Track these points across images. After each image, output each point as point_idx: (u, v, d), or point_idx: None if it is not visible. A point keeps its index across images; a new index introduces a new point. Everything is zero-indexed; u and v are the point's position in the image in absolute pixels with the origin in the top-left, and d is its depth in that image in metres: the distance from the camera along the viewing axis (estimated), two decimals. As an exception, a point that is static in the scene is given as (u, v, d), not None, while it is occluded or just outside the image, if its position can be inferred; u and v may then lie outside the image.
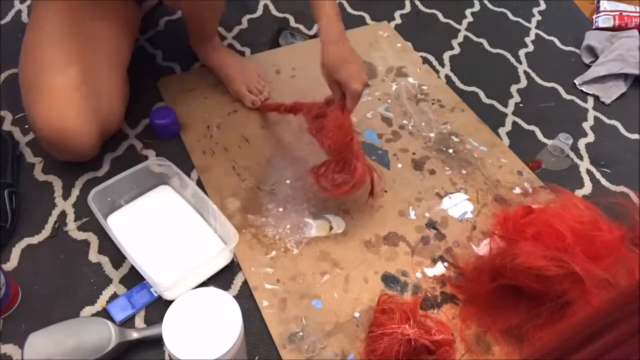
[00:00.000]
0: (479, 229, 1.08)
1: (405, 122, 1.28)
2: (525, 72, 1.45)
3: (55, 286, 0.95)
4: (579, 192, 1.17)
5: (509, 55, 1.50)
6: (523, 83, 1.42)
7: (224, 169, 1.14)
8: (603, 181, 1.20)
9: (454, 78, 1.41)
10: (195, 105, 1.26)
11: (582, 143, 1.28)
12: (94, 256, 0.99)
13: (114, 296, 0.94)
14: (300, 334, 0.91)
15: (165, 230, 1.01)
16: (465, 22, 1.59)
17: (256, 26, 1.51)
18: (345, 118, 0.97)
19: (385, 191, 1.12)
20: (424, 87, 1.36)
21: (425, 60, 1.45)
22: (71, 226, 1.03)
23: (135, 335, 0.87)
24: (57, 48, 0.99)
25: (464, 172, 1.18)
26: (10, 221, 1.00)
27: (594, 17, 1.61)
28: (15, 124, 1.18)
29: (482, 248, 1.03)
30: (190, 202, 1.05)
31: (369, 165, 1.02)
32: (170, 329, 0.71)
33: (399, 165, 1.18)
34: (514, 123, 1.31)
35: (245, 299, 0.95)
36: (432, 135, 1.25)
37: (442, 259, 1.03)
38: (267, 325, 0.92)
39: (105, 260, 0.99)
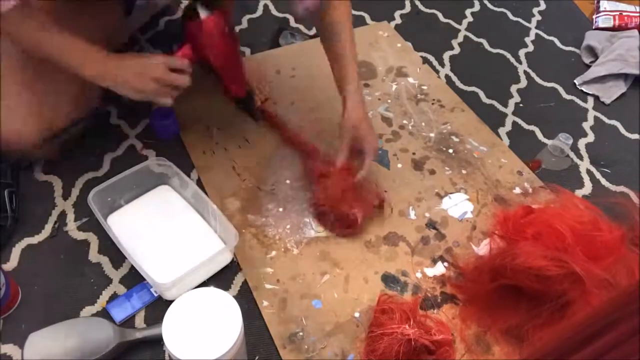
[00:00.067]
0: (479, 229, 1.08)
1: (405, 122, 1.28)
2: (525, 72, 1.45)
3: (55, 286, 0.95)
4: (579, 192, 1.17)
5: (509, 55, 1.50)
6: (523, 83, 1.42)
7: (224, 169, 1.14)
8: (603, 181, 1.20)
9: (454, 78, 1.41)
10: (195, 105, 1.25)
11: (582, 143, 1.28)
12: (94, 256, 0.99)
13: (114, 296, 0.94)
14: (300, 334, 0.91)
15: (165, 230, 1.01)
16: (465, 22, 1.59)
17: (256, 26, 1.51)
18: (347, 180, 1.03)
19: (385, 191, 1.12)
20: (424, 87, 1.36)
21: (425, 60, 1.45)
22: (71, 226, 1.03)
23: (135, 335, 0.87)
24: None
25: (464, 172, 1.18)
26: (10, 221, 1.00)
27: (594, 17, 1.61)
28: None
29: (482, 248, 1.03)
30: (190, 202, 1.05)
31: (378, 194, 1.07)
32: (170, 329, 0.71)
33: (399, 165, 1.18)
34: (514, 123, 1.31)
35: (245, 299, 0.95)
36: (432, 135, 1.25)
37: (442, 259, 1.03)
38: (267, 325, 0.92)
39: (105, 260, 0.99)
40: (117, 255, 0.97)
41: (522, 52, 1.51)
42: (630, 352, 0.38)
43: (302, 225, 1.05)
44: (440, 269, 1.01)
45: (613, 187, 1.19)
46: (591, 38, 1.51)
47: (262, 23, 1.52)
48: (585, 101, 1.38)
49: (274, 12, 1.56)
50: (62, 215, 1.05)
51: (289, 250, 1.02)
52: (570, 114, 1.35)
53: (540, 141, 1.27)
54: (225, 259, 0.98)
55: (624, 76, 1.41)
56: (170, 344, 0.69)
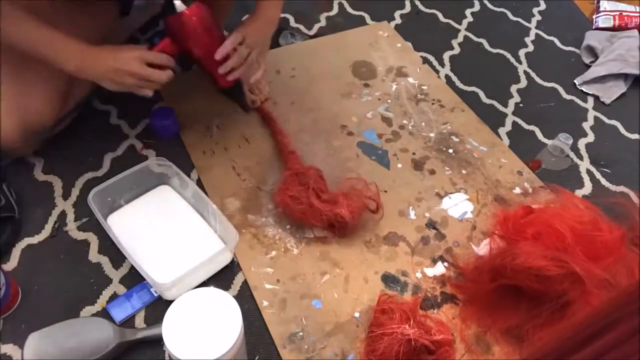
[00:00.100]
0: (479, 229, 1.08)
1: (405, 122, 1.28)
2: (525, 72, 1.45)
3: (55, 286, 0.95)
4: (579, 192, 1.17)
5: (509, 55, 1.50)
6: (523, 83, 1.42)
7: (224, 169, 1.14)
8: (603, 181, 1.20)
9: (454, 78, 1.41)
10: (195, 105, 1.26)
11: (582, 143, 1.28)
12: (94, 256, 0.99)
13: (114, 296, 0.94)
14: (300, 334, 0.91)
15: (165, 230, 1.01)
16: (465, 22, 1.59)
17: (256, 26, 1.50)
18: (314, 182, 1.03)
19: (385, 191, 1.12)
20: (424, 87, 1.36)
21: (425, 60, 1.45)
22: (71, 226, 1.03)
23: (135, 335, 0.87)
24: None
25: (464, 172, 1.18)
26: (17, 211, 1.00)
27: (594, 17, 1.61)
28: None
29: (482, 248, 1.03)
30: (190, 202, 1.05)
31: (376, 199, 1.05)
32: (170, 329, 0.71)
33: (399, 165, 1.18)
34: (514, 123, 1.31)
35: (245, 299, 0.95)
36: (432, 135, 1.25)
37: (442, 259, 1.03)
38: (267, 325, 0.92)
39: (105, 260, 0.99)
40: (117, 255, 0.97)
41: (522, 52, 1.51)
42: (630, 352, 0.38)
43: (302, 225, 1.05)
44: (440, 269, 1.01)
45: (613, 187, 1.19)
46: (591, 38, 1.51)
47: (262, 23, 1.51)
48: (585, 101, 1.38)
49: (274, 12, 1.55)
50: (62, 215, 1.05)
51: (289, 250, 1.02)
52: (570, 114, 1.35)
53: (540, 141, 1.27)
54: (225, 259, 0.98)
55: (624, 76, 1.41)
56: (170, 344, 0.70)
